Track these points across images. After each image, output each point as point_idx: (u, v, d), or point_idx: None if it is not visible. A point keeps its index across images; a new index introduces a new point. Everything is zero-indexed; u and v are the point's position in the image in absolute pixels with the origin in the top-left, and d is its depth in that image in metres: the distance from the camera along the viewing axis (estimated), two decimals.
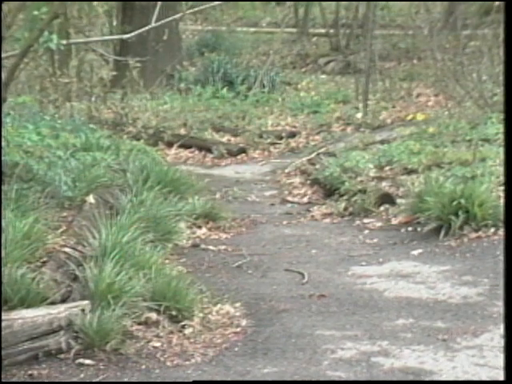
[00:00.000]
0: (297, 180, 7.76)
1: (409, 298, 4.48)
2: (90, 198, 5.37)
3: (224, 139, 9.59)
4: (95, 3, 8.46)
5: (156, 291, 4.08)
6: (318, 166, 7.64)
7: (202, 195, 6.48)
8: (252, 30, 15.43)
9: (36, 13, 5.27)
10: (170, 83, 11.46)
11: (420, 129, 8.13)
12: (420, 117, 8.80)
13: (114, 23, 11.59)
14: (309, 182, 7.51)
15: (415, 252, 5.29)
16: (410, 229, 5.71)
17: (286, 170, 8.16)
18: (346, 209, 6.34)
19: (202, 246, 5.64)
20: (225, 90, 11.06)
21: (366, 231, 5.87)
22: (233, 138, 9.68)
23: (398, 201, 6.20)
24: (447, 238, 5.33)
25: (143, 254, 4.44)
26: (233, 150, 9.16)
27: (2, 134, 4.95)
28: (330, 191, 6.89)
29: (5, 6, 5.04)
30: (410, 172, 6.81)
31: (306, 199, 7.06)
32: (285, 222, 6.34)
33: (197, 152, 9.23)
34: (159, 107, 10.16)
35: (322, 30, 14.39)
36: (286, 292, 4.65)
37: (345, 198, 6.51)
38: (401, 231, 5.73)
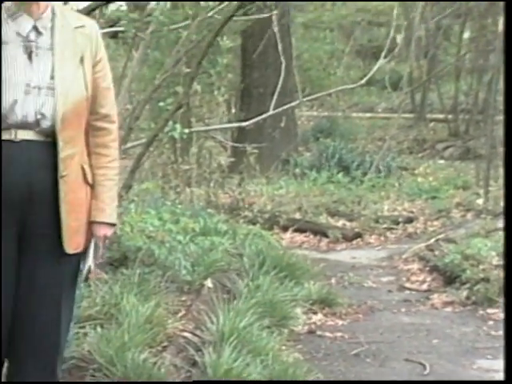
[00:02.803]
0: (415, 266, 7.57)
1: None
2: (208, 283, 5.43)
3: (339, 224, 9.54)
4: (216, 92, 8.76)
5: (273, 378, 4.03)
6: (437, 253, 7.45)
7: (317, 280, 6.42)
8: (367, 115, 15.54)
9: (162, 104, 5.52)
10: (285, 168, 11.61)
11: None
12: None
13: (233, 111, 11.96)
14: (427, 268, 7.31)
15: None
16: None
17: (404, 256, 7.99)
18: (468, 298, 6.12)
19: (318, 332, 5.56)
20: (340, 174, 11.08)
21: (491, 322, 5.62)
22: (348, 223, 9.61)
23: None
24: None
25: (260, 339, 4.42)
26: (348, 235, 9.08)
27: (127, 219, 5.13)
28: (450, 279, 6.68)
29: (134, 98, 5.31)
30: None
31: (425, 286, 6.87)
32: (403, 310, 6.17)
33: (312, 236, 9.21)
34: (275, 192, 10.27)
35: (440, 116, 14.29)
36: None
37: (466, 286, 6.29)
38: None
